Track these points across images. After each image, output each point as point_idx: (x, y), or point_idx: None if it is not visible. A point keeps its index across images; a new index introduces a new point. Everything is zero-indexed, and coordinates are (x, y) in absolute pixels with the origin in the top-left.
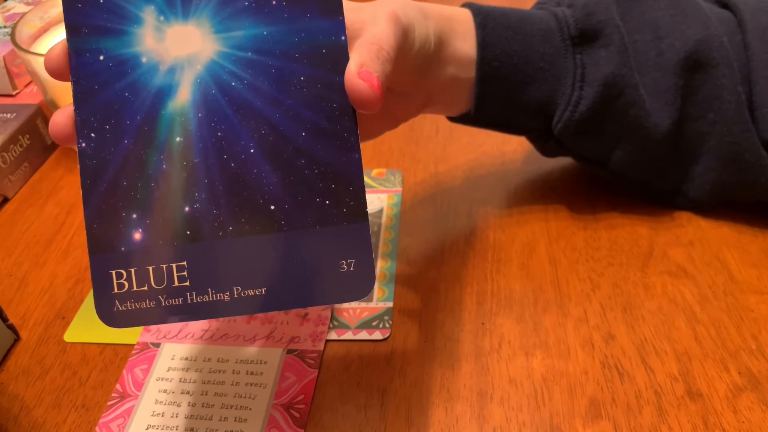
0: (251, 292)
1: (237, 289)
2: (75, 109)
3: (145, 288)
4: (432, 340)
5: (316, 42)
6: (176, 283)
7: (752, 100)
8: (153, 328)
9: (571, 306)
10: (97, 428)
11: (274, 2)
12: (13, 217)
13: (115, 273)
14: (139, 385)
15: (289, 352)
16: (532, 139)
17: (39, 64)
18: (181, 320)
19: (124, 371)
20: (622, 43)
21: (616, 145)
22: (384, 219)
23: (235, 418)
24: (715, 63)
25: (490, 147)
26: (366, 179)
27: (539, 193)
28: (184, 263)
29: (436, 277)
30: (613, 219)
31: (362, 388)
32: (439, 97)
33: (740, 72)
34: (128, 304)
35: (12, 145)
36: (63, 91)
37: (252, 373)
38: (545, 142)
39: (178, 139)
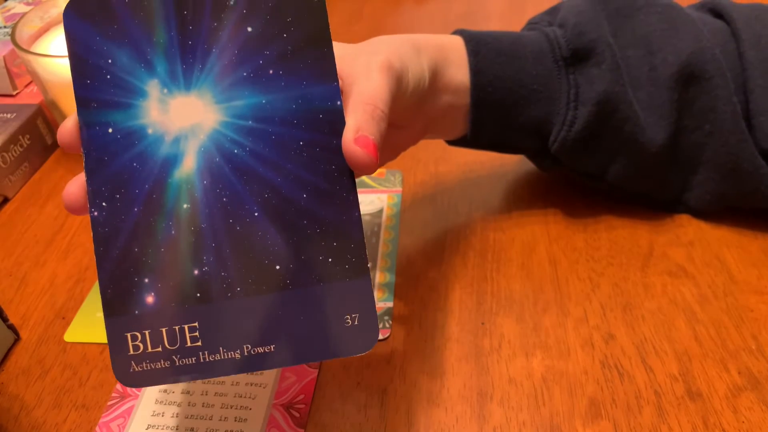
0: (260, 350)
1: (247, 347)
2: (87, 180)
3: (160, 349)
4: (432, 340)
5: (313, 108)
6: (189, 344)
7: (749, 109)
8: None
9: (571, 306)
10: (97, 428)
11: (271, 71)
12: (13, 217)
13: (131, 335)
14: None
15: None
16: (530, 157)
17: (39, 64)
18: (193, 379)
19: None
20: (614, 60)
21: (613, 160)
22: (384, 219)
23: (235, 418)
24: (708, 75)
25: None
26: (366, 179)
27: (539, 193)
28: (196, 324)
29: (436, 277)
30: (613, 219)
31: (362, 388)
32: (436, 125)
33: (735, 81)
34: (144, 364)
35: (12, 145)
36: (63, 92)
37: (252, 373)
38: (543, 160)
39: (185, 205)
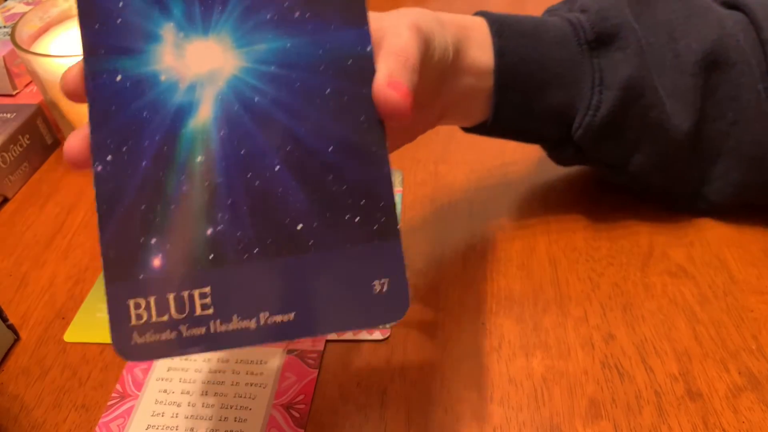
0: (279, 318)
1: (264, 315)
2: (91, 132)
3: (165, 318)
4: (432, 340)
5: (341, 53)
6: (199, 312)
7: None
8: None
9: (571, 306)
10: (97, 428)
11: (296, 14)
12: (13, 217)
13: (134, 303)
14: (139, 385)
15: (289, 352)
16: (549, 148)
17: (39, 64)
18: (202, 351)
19: (124, 371)
20: (638, 45)
21: (636, 148)
22: None
23: (235, 418)
24: (732, 62)
25: (491, 147)
26: None
27: (539, 193)
28: (208, 289)
29: (436, 277)
30: (613, 219)
31: (362, 389)
32: (456, 108)
33: (758, 69)
34: (147, 336)
35: (12, 145)
36: None
37: (252, 373)
38: (563, 150)
39: (199, 158)
